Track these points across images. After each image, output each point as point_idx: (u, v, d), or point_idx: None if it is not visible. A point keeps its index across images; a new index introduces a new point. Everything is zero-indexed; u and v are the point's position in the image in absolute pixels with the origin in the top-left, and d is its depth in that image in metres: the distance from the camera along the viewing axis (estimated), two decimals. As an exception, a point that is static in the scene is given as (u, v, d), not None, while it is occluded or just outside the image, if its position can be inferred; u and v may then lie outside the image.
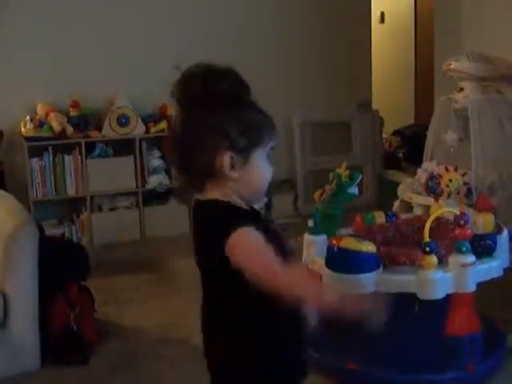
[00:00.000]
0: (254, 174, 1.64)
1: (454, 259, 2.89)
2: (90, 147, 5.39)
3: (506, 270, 3.09)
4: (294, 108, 5.83)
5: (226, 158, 1.58)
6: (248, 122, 1.62)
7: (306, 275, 1.52)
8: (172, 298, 4.16)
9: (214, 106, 1.59)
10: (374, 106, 6.46)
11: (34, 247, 3.29)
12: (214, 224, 1.60)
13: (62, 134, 5.22)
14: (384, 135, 6.60)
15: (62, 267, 3.62)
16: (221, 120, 1.59)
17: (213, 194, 1.63)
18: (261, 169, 1.65)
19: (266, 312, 1.60)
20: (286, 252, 1.66)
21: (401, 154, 6.38)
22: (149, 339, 3.67)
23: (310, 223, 3.35)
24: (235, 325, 1.63)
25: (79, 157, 5.31)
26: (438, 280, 2.84)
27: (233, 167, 1.60)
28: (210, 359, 1.71)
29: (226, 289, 1.61)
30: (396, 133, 6.66)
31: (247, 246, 1.53)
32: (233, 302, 1.62)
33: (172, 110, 5.39)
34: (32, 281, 3.28)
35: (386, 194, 5.33)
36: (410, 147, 6.16)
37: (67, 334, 3.45)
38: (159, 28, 5.65)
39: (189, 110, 1.62)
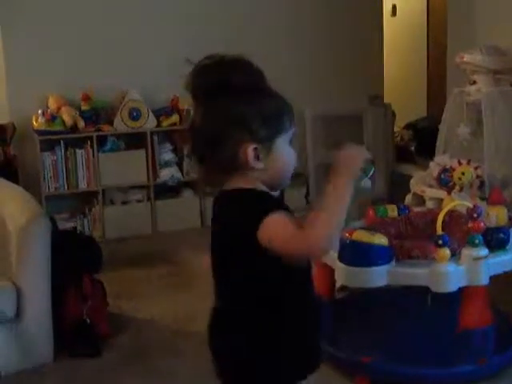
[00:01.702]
0: (280, 162, 1.63)
1: (467, 252, 2.88)
2: (102, 141, 5.40)
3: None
4: (305, 101, 5.81)
5: (249, 151, 1.58)
6: (267, 110, 1.60)
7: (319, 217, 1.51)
8: (184, 292, 4.16)
9: (230, 98, 1.58)
10: (386, 99, 6.44)
11: (46, 241, 3.30)
12: (243, 212, 1.58)
13: (74, 127, 5.24)
14: (396, 128, 6.58)
15: (75, 260, 3.63)
16: (240, 112, 1.58)
17: (237, 183, 1.62)
18: (285, 155, 1.64)
19: (292, 299, 1.62)
20: None
21: (413, 148, 6.35)
22: (161, 332, 3.68)
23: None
24: (257, 313, 1.62)
25: (91, 150, 5.32)
26: (450, 273, 2.83)
27: (257, 158, 1.59)
28: (222, 348, 1.70)
29: (251, 275, 1.60)
30: (408, 126, 6.63)
31: (281, 229, 1.51)
32: (256, 290, 1.61)
33: (184, 103, 5.41)
34: (45, 274, 3.29)
35: (398, 187, 5.32)
36: (422, 140, 6.13)
37: (80, 327, 3.46)
38: (170, 21, 5.64)
39: (205, 103, 1.61)
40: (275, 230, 1.51)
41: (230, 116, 1.58)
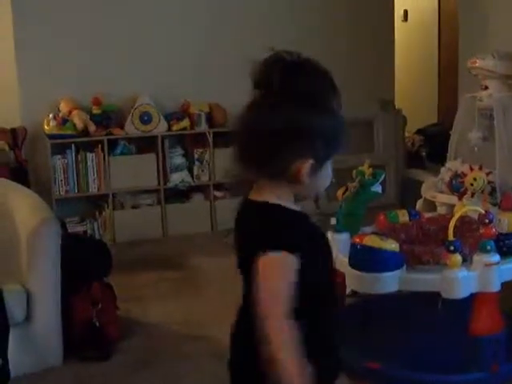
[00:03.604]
0: (322, 180, 1.58)
1: (479, 258, 2.86)
2: (113, 145, 5.41)
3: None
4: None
5: (306, 166, 1.50)
6: (332, 131, 1.54)
7: (296, 363, 1.43)
8: (194, 296, 4.16)
9: (302, 105, 1.48)
10: (397, 104, 6.42)
11: (56, 244, 3.31)
12: (260, 232, 1.52)
13: (85, 131, 5.25)
14: (407, 134, 6.57)
15: (85, 264, 3.63)
16: (309, 125, 1.49)
17: (268, 193, 1.55)
18: (327, 174, 1.59)
19: (315, 313, 1.59)
20: (329, 251, 1.66)
21: (424, 153, 6.34)
22: (171, 336, 3.67)
23: (333, 221, 3.34)
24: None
25: (102, 154, 5.33)
26: (462, 279, 2.82)
27: (309, 174, 1.52)
28: (235, 358, 1.67)
29: None
30: (419, 131, 6.63)
31: (270, 274, 1.46)
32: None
33: (195, 108, 5.42)
34: (55, 278, 3.30)
35: (409, 192, 5.31)
36: (433, 146, 6.13)
37: (89, 331, 3.46)
38: (182, 26, 5.64)
39: (270, 99, 1.50)
40: (267, 279, 1.45)
41: (299, 127, 1.49)
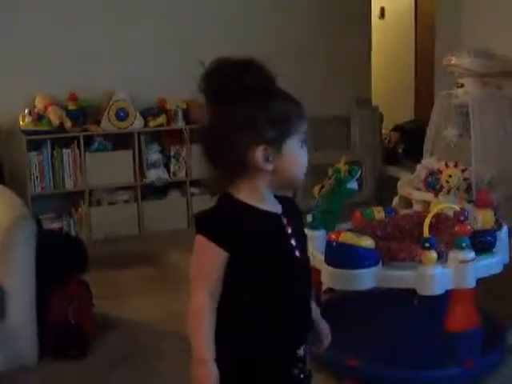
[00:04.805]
0: (290, 163, 1.64)
1: (454, 255, 2.88)
2: (89, 141, 5.38)
3: (505, 266, 3.09)
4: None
5: (258, 152, 1.59)
6: (277, 112, 1.61)
7: (200, 321, 1.62)
8: (171, 293, 4.14)
9: (241, 99, 1.59)
10: (374, 101, 6.44)
11: (31, 241, 3.28)
12: (202, 215, 1.64)
13: (61, 127, 5.21)
14: (384, 131, 6.59)
15: (60, 261, 3.60)
16: (249, 114, 1.59)
17: (243, 188, 1.63)
18: (296, 157, 1.65)
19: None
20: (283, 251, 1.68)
21: (400, 150, 6.37)
22: (148, 333, 3.66)
23: (309, 218, 3.34)
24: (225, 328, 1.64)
25: (78, 151, 5.30)
26: (437, 276, 2.83)
27: (267, 159, 1.60)
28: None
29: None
30: (396, 128, 6.65)
31: (197, 253, 1.62)
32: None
33: (171, 104, 5.40)
34: (30, 275, 3.27)
35: (386, 189, 5.33)
36: (410, 143, 6.15)
37: (65, 328, 3.43)
38: (159, 21, 5.62)
39: (215, 104, 1.62)
40: (193, 257, 1.63)
41: (240, 118, 1.59)
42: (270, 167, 1.61)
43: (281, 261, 1.66)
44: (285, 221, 1.68)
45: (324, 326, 1.88)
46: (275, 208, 1.68)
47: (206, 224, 1.61)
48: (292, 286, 1.68)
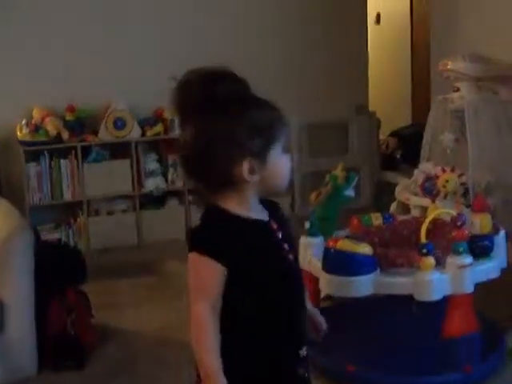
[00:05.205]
0: (276, 171, 1.62)
1: (452, 260, 2.88)
2: (86, 151, 5.37)
3: (503, 271, 3.09)
4: (291, 110, 5.80)
5: (244, 166, 1.56)
6: (257, 122, 1.58)
7: (203, 333, 1.57)
8: (169, 302, 4.14)
9: (217, 112, 1.55)
10: (371, 107, 6.44)
11: (29, 252, 3.28)
12: (193, 232, 1.64)
13: (58, 138, 5.21)
14: (381, 136, 6.59)
15: (59, 272, 3.60)
16: (228, 128, 1.55)
17: (230, 199, 1.62)
18: (280, 164, 1.62)
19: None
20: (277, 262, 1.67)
21: (398, 155, 6.37)
22: (147, 343, 3.66)
23: (307, 225, 3.34)
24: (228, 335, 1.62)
25: (75, 161, 5.29)
26: (435, 281, 2.84)
27: (253, 172, 1.57)
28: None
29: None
30: (393, 134, 6.65)
31: (193, 272, 1.60)
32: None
33: (168, 114, 5.40)
34: (28, 286, 3.26)
35: (384, 195, 5.33)
36: (408, 148, 6.15)
37: (64, 339, 3.43)
38: (156, 31, 5.63)
39: (192, 119, 1.58)
40: (190, 275, 1.60)
41: (220, 133, 1.55)
42: (256, 179, 1.58)
43: (277, 268, 1.65)
44: (274, 226, 1.67)
45: (316, 312, 1.88)
46: (262, 215, 1.67)
47: (200, 241, 1.59)
48: (289, 289, 1.68)
